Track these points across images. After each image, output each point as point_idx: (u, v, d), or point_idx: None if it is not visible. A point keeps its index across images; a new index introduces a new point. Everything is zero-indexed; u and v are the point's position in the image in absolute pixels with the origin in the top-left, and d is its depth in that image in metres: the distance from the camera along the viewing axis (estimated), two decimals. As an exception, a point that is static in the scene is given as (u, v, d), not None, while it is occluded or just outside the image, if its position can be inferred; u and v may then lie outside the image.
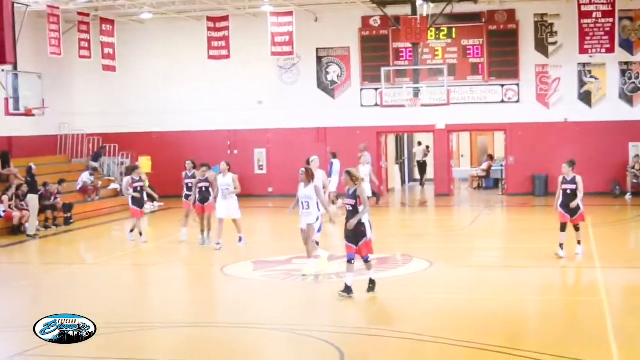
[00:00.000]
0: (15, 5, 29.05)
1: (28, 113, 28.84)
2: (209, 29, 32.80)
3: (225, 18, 33.17)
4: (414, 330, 13.29)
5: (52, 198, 28.63)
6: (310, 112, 36.45)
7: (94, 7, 33.34)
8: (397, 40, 35.00)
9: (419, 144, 43.50)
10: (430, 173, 40.72)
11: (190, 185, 23.90)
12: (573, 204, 19.35)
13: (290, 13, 32.79)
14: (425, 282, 17.91)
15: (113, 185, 35.32)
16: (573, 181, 19.52)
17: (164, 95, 37.48)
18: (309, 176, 18.28)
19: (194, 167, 24.12)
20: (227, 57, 32.93)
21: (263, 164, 37.46)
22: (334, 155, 32.36)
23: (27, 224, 26.86)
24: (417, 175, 43.84)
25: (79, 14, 32.59)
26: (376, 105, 35.48)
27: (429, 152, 41.56)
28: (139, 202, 24.24)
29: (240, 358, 12.26)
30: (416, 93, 32.79)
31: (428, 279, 18.22)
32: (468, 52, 35.21)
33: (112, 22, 33.62)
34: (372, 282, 16.17)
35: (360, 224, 15.73)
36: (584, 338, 12.83)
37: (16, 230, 26.86)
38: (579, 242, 19.84)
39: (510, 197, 34.94)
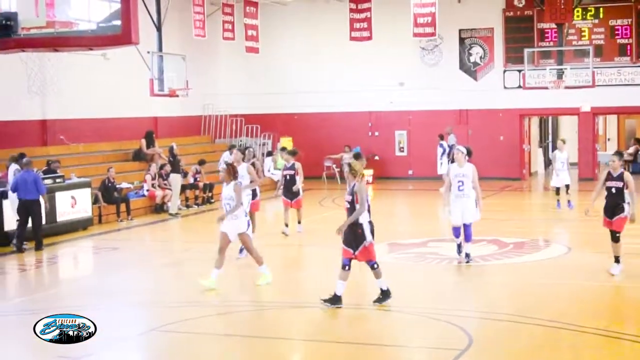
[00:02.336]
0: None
1: (172, 94, 29.34)
2: (351, 10, 32.69)
3: (368, -1, 33.04)
4: (547, 316, 13.01)
5: (192, 178, 29.29)
6: (452, 93, 36.08)
7: (238, -10, 33.73)
8: (541, 21, 34.36)
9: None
10: (573, 156, 39.87)
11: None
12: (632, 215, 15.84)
13: (432, -6, 32.48)
14: (562, 267, 17.52)
15: (255, 162, 35.70)
16: (620, 177, 15.77)
17: (306, 76, 37.72)
18: (230, 173, 15.55)
19: (243, 159, 20.21)
20: (369, 38, 32.76)
21: (404, 146, 37.32)
22: (442, 137, 32.62)
23: (169, 203, 27.46)
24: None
25: (224, -4, 33.03)
26: (519, 87, 34.89)
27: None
28: (286, 192, 21.86)
29: (371, 339, 12.22)
30: (560, 75, 32.12)
31: (565, 264, 17.83)
32: (616, 32, 34.27)
33: (255, 4, 33.87)
34: (383, 293, 14.00)
35: (357, 226, 13.68)
36: None
37: (159, 208, 27.50)
38: (615, 259, 16.17)
39: (658, 182, 33.86)
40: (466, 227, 17.32)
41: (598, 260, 18.21)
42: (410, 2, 31.30)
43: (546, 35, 34.86)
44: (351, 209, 13.75)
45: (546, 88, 32.19)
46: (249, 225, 15.69)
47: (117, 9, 7.68)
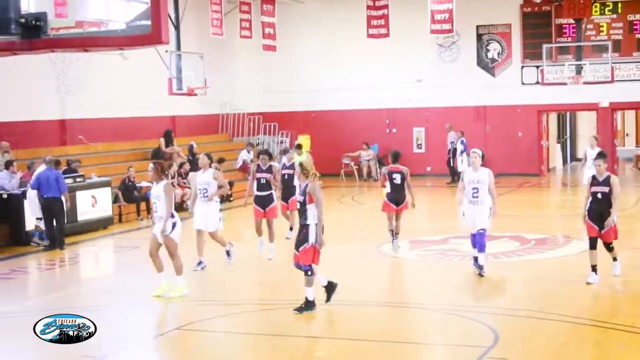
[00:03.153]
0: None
1: (190, 92, 29.41)
2: (369, 7, 32.62)
3: (385, -4, 32.96)
4: (572, 312, 13.00)
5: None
6: (469, 90, 35.96)
7: (255, -12, 33.73)
8: (559, 16, 34.29)
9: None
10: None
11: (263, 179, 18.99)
12: (608, 221, 14.79)
13: (450, -10, 32.39)
14: (585, 263, 17.38)
15: (272, 164, 35.70)
16: (606, 182, 14.78)
17: (323, 74, 37.67)
18: (159, 172, 14.80)
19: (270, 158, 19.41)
20: (387, 35, 32.69)
21: (422, 143, 37.24)
22: (462, 134, 32.91)
23: (188, 201, 27.39)
24: (581, 155, 42.92)
25: (241, -6, 33.02)
26: (537, 83, 34.74)
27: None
28: (285, 193, 20.53)
29: (395, 337, 12.18)
30: (579, 70, 32.02)
31: (587, 260, 17.71)
32: (634, 27, 34.09)
33: (272, 2, 33.81)
34: (307, 303, 13.41)
35: (304, 226, 13.33)
36: None
37: (178, 207, 27.42)
38: (614, 259, 15.46)
39: (678, 178, 33.77)
40: (478, 235, 15.87)
41: (619, 256, 18.14)
42: (427, -1, 31.29)
43: (564, 30, 34.73)
44: (302, 210, 13.36)
45: (565, 84, 32.09)
46: (174, 227, 14.69)
47: (146, 9, 7.68)
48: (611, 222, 14.79)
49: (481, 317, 12.89)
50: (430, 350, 11.92)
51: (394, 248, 18.65)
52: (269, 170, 19.00)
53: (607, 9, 34.25)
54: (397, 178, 18.51)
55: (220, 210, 17.81)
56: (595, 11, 33.92)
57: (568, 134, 43.29)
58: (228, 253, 17.83)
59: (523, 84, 35.69)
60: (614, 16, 34.25)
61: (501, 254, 17.97)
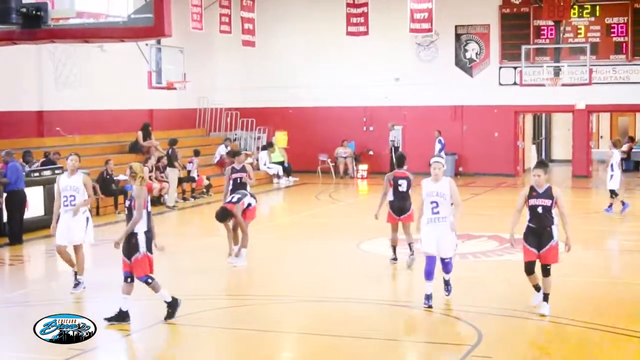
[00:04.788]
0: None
1: (170, 86, 29.35)
2: (348, 5, 32.71)
3: (365, -6, 33.05)
4: (553, 312, 13.01)
5: (195, 171, 29.39)
6: (447, 89, 36.08)
7: (235, -17, 33.67)
8: (538, 18, 34.48)
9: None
10: (568, 154, 39.82)
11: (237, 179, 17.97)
12: (568, 241, 12.81)
13: (430, -11, 32.48)
14: (563, 264, 17.50)
15: (249, 160, 35.70)
16: (548, 194, 12.62)
17: (302, 71, 37.69)
18: None
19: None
20: (366, 33, 32.80)
21: (399, 142, 37.30)
22: (440, 133, 34.12)
23: (166, 195, 27.44)
24: (556, 156, 43.28)
25: (221, -11, 32.96)
26: (515, 84, 34.91)
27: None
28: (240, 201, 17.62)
29: (379, 335, 12.19)
30: (557, 72, 32.22)
31: (565, 261, 17.81)
32: (612, 30, 34.34)
33: (253, -3, 33.86)
34: (170, 305, 12.80)
35: (132, 235, 12.47)
36: None
37: (155, 201, 27.39)
38: (545, 297, 12.95)
39: (651, 180, 34.04)
40: (444, 263, 13.82)
41: (597, 257, 18.30)
42: (407, -2, 31.36)
43: (542, 32, 34.91)
44: (129, 215, 12.61)
45: (542, 85, 32.30)
46: None
47: (148, 1, 7.67)
48: (549, 234, 12.71)
49: (464, 316, 12.94)
50: (415, 348, 11.97)
51: (408, 262, 16.87)
52: (243, 169, 18.13)
53: (585, 11, 34.48)
54: (403, 185, 17.05)
55: (88, 220, 15.56)
56: (574, 14, 34.16)
57: (543, 135, 43.55)
58: (77, 284, 15.26)
59: (500, 84, 35.85)
60: (592, 19, 34.48)
61: (480, 254, 18.06)
